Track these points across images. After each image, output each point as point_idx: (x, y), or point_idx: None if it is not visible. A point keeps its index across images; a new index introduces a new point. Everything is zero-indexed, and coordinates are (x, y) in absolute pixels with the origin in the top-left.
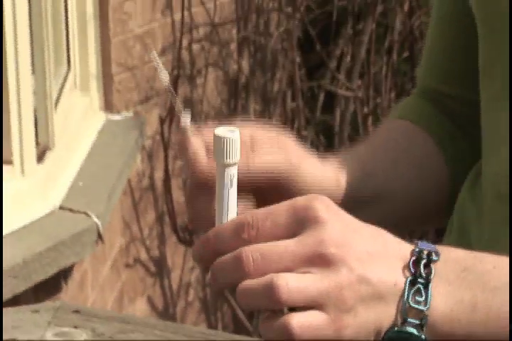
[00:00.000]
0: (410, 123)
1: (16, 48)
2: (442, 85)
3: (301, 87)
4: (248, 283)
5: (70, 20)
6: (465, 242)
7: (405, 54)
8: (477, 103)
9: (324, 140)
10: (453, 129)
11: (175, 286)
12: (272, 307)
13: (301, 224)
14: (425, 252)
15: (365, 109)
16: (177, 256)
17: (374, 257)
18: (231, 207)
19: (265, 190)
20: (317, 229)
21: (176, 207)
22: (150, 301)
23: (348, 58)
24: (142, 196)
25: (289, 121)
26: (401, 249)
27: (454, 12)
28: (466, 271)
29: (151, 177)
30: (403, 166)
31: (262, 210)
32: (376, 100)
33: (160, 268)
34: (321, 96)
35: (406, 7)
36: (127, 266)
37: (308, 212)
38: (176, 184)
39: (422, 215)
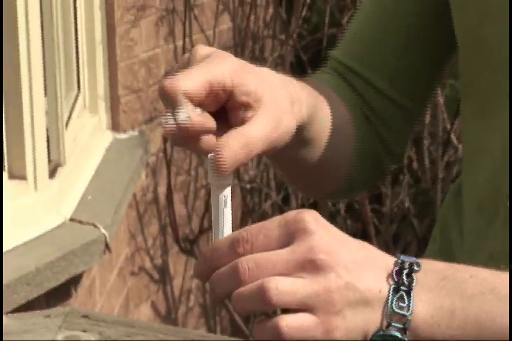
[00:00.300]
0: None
1: (29, 72)
2: (358, 65)
3: None
4: (242, 288)
5: (79, 46)
6: (448, 251)
7: None
8: (384, 93)
9: None
10: (357, 99)
11: (177, 293)
12: (264, 309)
13: (292, 235)
14: (407, 263)
15: None
16: (179, 265)
17: (360, 267)
18: (226, 226)
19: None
20: (307, 238)
21: (177, 219)
22: (154, 306)
23: None
24: (146, 209)
25: None
26: (385, 260)
27: (409, 9)
28: (445, 280)
29: (155, 192)
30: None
31: (255, 225)
32: None
33: (163, 276)
34: None
35: None
36: (132, 273)
37: (298, 224)
38: (177, 198)
39: (331, 165)
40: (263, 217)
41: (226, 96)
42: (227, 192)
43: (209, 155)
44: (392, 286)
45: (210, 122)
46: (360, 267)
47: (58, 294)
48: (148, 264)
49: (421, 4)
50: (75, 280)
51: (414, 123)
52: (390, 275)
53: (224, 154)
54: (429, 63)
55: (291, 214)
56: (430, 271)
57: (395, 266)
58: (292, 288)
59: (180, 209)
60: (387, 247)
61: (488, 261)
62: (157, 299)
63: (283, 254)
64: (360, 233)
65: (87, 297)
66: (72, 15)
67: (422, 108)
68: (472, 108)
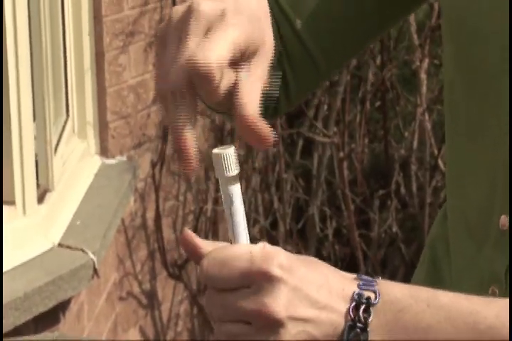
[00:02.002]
0: None
1: (18, 97)
2: (289, 7)
3: (281, 133)
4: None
5: (68, 72)
6: (436, 276)
7: (377, 103)
8: (301, 37)
9: (303, 182)
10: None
11: (165, 318)
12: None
13: (253, 278)
14: (365, 296)
15: (341, 154)
16: (167, 290)
17: (320, 305)
18: (237, 223)
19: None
20: (267, 287)
21: (166, 244)
22: (142, 331)
23: (325, 107)
24: (135, 234)
25: (270, 165)
26: (344, 291)
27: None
28: (402, 312)
29: (143, 217)
30: None
31: (222, 260)
32: (351, 146)
33: (151, 301)
34: (300, 142)
35: (378, 60)
36: (121, 298)
37: (262, 267)
38: (166, 223)
39: None
40: (251, 242)
41: (239, 55)
42: (235, 190)
43: (214, 151)
44: (349, 323)
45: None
46: (320, 306)
47: (47, 319)
48: (136, 289)
49: None
50: (63, 306)
51: (320, 78)
52: (348, 311)
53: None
54: (362, 35)
55: (259, 253)
56: (388, 302)
57: (352, 300)
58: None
59: (168, 234)
60: (375, 272)
61: (478, 285)
62: (145, 324)
63: (239, 300)
64: (349, 258)
65: (75, 322)
66: (62, 41)
67: (332, 69)
68: (458, 130)
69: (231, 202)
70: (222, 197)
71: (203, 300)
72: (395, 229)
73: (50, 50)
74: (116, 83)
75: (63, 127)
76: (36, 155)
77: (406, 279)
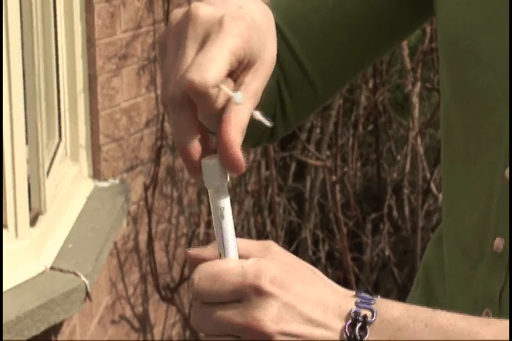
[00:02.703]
0: None
1: (11, 120)
2: (286, 26)
3: (274, 156)
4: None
5: (61, 94)
6: (430, 298)
7: (370, 127)
8: (299, 59)
9: (296, 206)
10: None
11: None
12: None
13: (244, 292)
14: (362, 314)
15: (333, 178)
16: (159, 313)
17: (314, 323)
18: (226, 237)
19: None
20: (257, 302)
21: (158, 267)
22: None
23: (318, 131)
24: (127, 257)
25: (263, 188)
26: (341, 308)
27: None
28: (400, 331)
29: (136, 240)
30: None
31: (213, 274)
32: (343, 169)
33: (143, 324)
34: (293, 166)
35: (370, 84)
36: (113, 322)
37: (254, 281)
38: (158, 246)
39: None
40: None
41: (237, 64)
42: (224, 203)
43: (203, 161)
44: None
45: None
46: (315, 324)
47: None
48: (128, 312)
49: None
50: (55, 329)
51: (318, 102)
52: (343, 329)
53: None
54: (360, 57)
55: (250, 268)
56: (386, 321)
57: (348, 318)
58: None
59: (161, 257)
60: (366, 290)
61: (472, 306)
62: None
63: (229, 314)
64: (341, 281)
65: None
66: (55, 64)
67: (330, 92)
68: (454, 153)
69: (222, 216)
70: (212, 209)
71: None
72: (387, 252)
73: (43, 72)
74: (109, 106)
75: (56, 150)
76: (29, 178)
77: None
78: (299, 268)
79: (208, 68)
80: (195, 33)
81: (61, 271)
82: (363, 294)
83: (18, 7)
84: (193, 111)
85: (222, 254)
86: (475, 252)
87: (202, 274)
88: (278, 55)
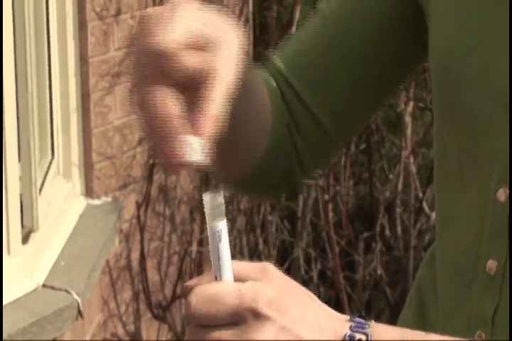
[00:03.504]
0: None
1: (3, 138)
2: (293, 77)
3: None
4: None
5: (54, 112)
6: (423, 317)
7: (362, 146)
8: (310, 110)
9: (288, 224)
10: (283, 106)
11: None
12: None
13: (242, 315)
14: (357, 338)
15: (326, 196)
16: (151, 331)
17: None
18: (223, 260)
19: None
20: (254, 326)
21: (150, 285)
22: None
23: None
24: (119, 275)
25: (255, 207)
26: (336, 333)
27: (364, 39)
28: None
29: (128, 258)
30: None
31: (211, 297)
32: (336, 188)
33: None
34: None
35: None
36: (105, 340)
37: (251, 304)
38: (151, 264)
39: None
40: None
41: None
42: (221, 226)
43: (203, 195)
44: None
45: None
46: None
47: None
48: (120, 331)
49: (375, 40)
50: None
51: (334, 148)
52: None
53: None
54: (366, 98)
55: (247, 291)
56: None
57: None
58: None
59: (153, 275)
60: (359, 314)
61: (465, 327)
62: None
63: (225, 336)
64: (333, 300)
65: None
66: (48, 82)
67: (344, 136)
68: (447, 174)
69: (219, 239)
70: (209, 232)
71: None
72: (379, 271)
73: (36, 90)
74: (102, 124)
75: (48, 168)
76: (21, 196)
77: (391, 322)
78: (295, 291)
79: (169, 31)
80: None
81: (53, 288)
82: (357, 318)
83: (12, 25)
84: (167, 83)
85: (218, 277)
86: (468, 273)
87: (199, 297)
88: (287, 103)
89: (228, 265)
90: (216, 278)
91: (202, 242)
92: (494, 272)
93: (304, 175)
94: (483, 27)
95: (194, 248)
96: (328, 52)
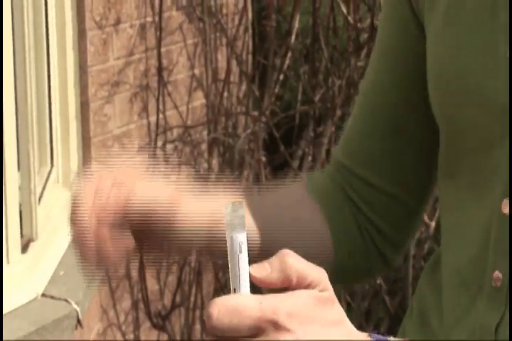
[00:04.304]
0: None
1: (2, 147)
2: (354, 164)
3: (266, 184)
4: None
5: (53, 121)
6: (425, 327)
7: None
8: (384, 190)
9: None
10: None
11: None
12: None
13: (262, 327)
14: None
15: None
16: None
17: None
18: (243, 272)
19: (143, 226)
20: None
21: (150, 294)
22: None
23: (310, 158)
24: (119, 284)
25: None
26: None
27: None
28: None
29: (127, 267)
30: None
31: (231, 309)
32: None
33: None
34: None
35: None
36: None
37: (272, 317)
38: (150, 273)
39: None
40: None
41: None
42: (242, 238)
43: (224, 205)
44: None
45: None
46: None
47: None
48: (120, 339)
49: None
50: None
51: (415, 217)
52: None
53: None
54: (424, 157)
55: (269, 303)
56: None
57: None
58: None
59: (152, 284)
60: (359, 324)
61: (469, 337)
62: None
63: None
64: None
65: None
66: (47, 91)
67: (422, 201)
68: (453, 187)
69: (240, 250)
70: (228, 244)
71: None
72: (378, 280)
73: (35, 99)
74: (101, 133)
75: (47, 177)
76: (20, 205)
77: (390, 331)
78: (317, 304)
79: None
80: None
81: (52, 297)
82: (377, 335)
83: (11, 34)
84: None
85: (237, 289)
86: (474, 285)
87: (220, 308)
88: (362, 196)
89: (247, 277)
90: (235, 291)
91: (201, 251)
92: (500, 284)
93: (396, 252)
94: (478, 45)
95: (193, 257)
96: (372, 127)
